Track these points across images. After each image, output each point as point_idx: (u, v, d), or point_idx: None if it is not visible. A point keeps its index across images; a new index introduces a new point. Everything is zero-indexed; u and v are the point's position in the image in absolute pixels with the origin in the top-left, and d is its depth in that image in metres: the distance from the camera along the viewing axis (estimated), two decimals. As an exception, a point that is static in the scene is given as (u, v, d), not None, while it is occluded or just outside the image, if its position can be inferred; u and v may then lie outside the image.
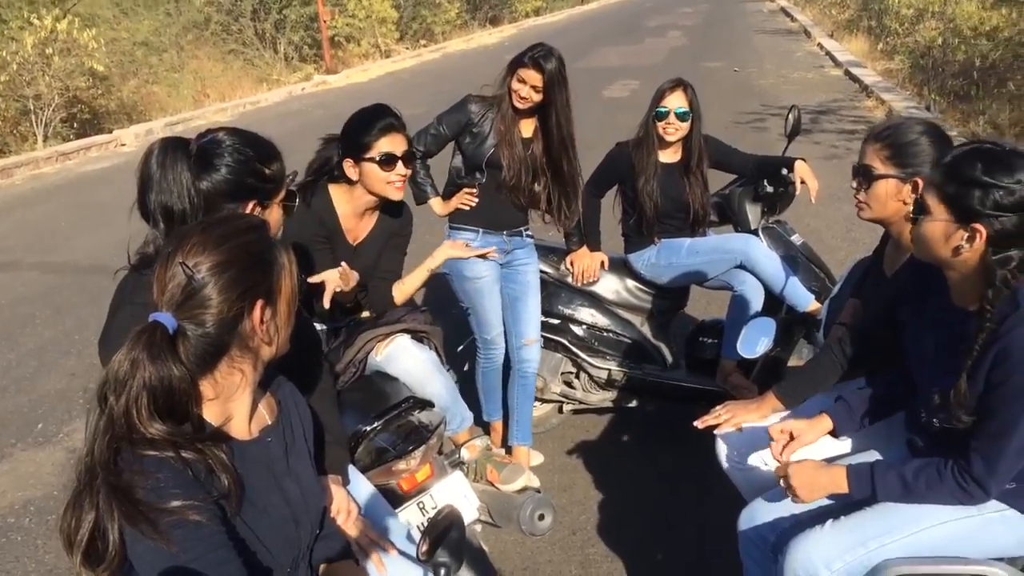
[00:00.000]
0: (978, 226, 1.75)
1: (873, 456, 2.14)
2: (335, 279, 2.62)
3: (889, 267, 2.43)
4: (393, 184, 2.72)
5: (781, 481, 2.04)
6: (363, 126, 2.74)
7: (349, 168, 2.75)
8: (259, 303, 1.48)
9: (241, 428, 1.55)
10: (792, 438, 2.18)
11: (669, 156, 3.69)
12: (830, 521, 1.99)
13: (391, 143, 2.71)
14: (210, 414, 1.50)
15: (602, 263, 3.81)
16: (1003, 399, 1.76)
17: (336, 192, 2.82)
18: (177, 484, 1.35)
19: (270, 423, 1.63)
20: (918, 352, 2.03)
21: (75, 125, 11.63)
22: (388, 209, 2.92)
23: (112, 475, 1.35)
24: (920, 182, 2.07)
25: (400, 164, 2.71)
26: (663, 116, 3.58)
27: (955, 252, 1.80)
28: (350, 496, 2.06)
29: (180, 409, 1.41)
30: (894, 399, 2.18)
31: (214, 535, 1.38)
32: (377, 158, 2.69)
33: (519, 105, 3.26)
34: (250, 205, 1.95)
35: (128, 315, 1.86)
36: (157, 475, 1.34)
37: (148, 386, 1.37)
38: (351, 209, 2.82)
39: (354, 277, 2.70)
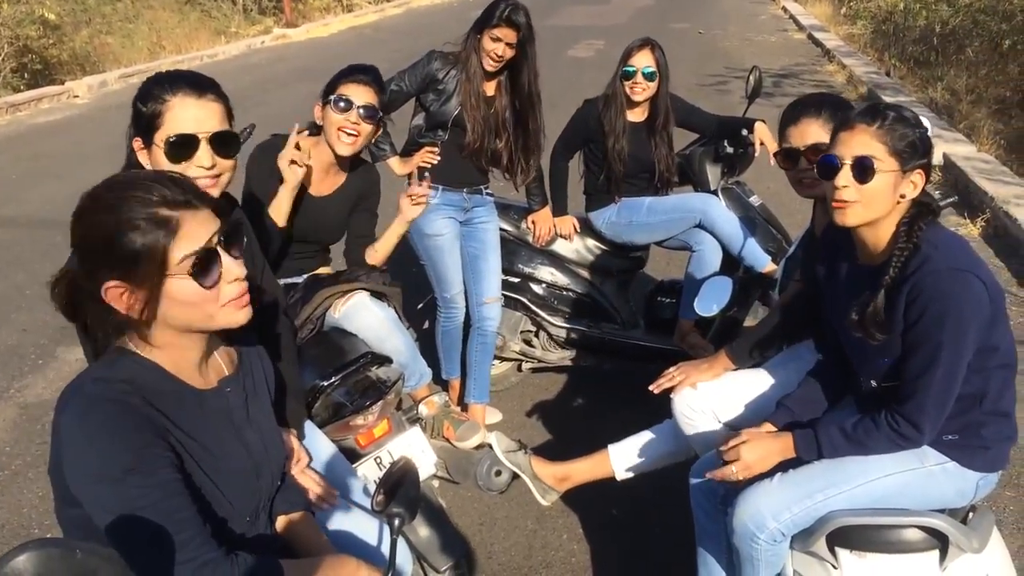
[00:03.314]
0: (920, 170, 1.88)
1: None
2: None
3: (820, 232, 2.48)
4: (342, 130, 2.70)
5: (732, 466, 2.05)
6: (339, 73, 2.77)
7: (317, 112, 2.76)
8: (108, 283, 1.38)
9: (194, 378, 1.53)
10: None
11: (636, 115, 3.70)
12: (778, 474, 2.04)
13: (354, 91, 2.71)
14: (159, 362, 1.48)
15: (574, 225, 3.82)
16: (922, 334, 1.83)
17: (304, 144, 2.78)
18: (131, 430, 1.35)
19: (229, 374, 1.61)
20: (839, 317, 2.08)
21: (26, 76, 11.26)
22: (357, 173, 2.92)
23: None
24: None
25: (353, 112, 2.69)
26: (630, 75, 3.58)
27: (898, 202, 1.89)
28: (303, 447, 2.07)
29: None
30: (832, 391, 2.19)
31: (170, 482, 1.37)
32: (334, 99, 2.70)
33: (492, 67, 3.23)
34: (137, 140, 1.92)
35: None
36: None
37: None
38: (315, 160, 2.80)
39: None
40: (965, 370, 1.86)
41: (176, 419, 1.45)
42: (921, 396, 1.86)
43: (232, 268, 1.44)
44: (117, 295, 1.38)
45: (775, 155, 2.45)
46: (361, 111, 2.69)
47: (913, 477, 1.97)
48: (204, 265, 1.40)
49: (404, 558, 1.97)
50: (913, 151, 1.87)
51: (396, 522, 1.50)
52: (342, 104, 2.68)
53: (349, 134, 2.71)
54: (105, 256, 1.37)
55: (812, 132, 2.33)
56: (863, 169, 1.86)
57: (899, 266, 1.86)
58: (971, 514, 2.08)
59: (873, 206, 1.89)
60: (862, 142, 1.87)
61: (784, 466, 2.05)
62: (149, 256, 1.36)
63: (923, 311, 1.82)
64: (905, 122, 1.88)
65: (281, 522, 1.74)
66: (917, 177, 1.89)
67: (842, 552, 2.02)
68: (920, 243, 1.86)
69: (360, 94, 2.71)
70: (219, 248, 1.43)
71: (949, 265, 1.82)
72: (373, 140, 2.87)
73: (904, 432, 1.90)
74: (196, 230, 1.40)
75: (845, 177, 1.87)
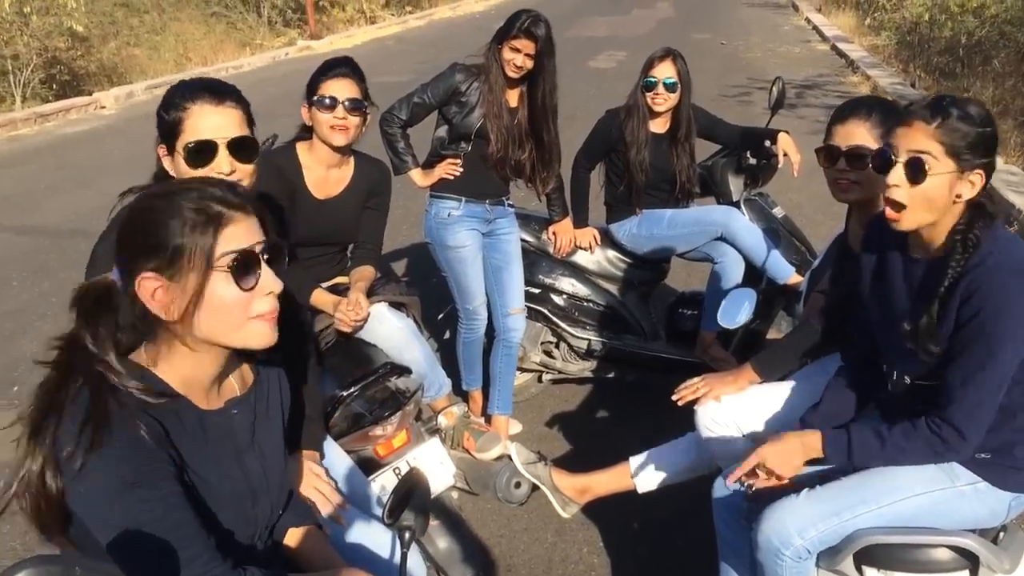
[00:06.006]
0: (980, 170, 1.80)
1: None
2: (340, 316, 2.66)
3: (855, 243, 2.43)
4: (333, 128, 2.70)
5: (758, 471, 2.02)
6: (318, 71, 2.77)
7: (305, 114, 2.76)
8: (143, 275, 1.36)
9: (200, 397, 1.49)
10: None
11: (658, 126, 3.67)
12: (805, 491, 2.00)
13: (336, 87, 2.70)
14: (168, 377, 1.45)
15: (595, 237, 3.80)
16: (975, 333, 1.76)
17: (301, 148, 2.82)
18: (133, 443, 1.33)
19: (238, 394, 1.57)
20: (885, 314, 2.01)
21: (54, 86, 11.43)
22: (363, 166, 2.90)
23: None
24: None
25: (340, 108, 2.69)
26: (651, 86, 3.56)
27: (954, 202, 1.81)
28: (328, 475, 2.05)
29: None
30: (856, 403, 2.15)
31: (173, 496, 1.34)
32: (318, 99, 2.70)
33: (513, 75, 3.23)
34: (161, 147, 1.97)
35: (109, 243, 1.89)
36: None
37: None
38: (315, 163, 2.81)
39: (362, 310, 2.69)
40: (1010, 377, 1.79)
41: (175, 436, 1.41)
42: (970, 400, 1.78)
43: (270, 280, 1.42)
44: (151, 290, 1.36)
45: (816, 151, 2.39)
46: (347, 104, 2.69)
47: (943, 497, 1.92)
48: (245, 266, 1.39)
49: (418, 570, 1.95)
50: (973, 150, 1.77)
51: (406, 535, 1.48)
52: (327, 102, 2.69)
53: (340, 128, 2.71)
54: (148, 243, 1.36)
55: (858, 134, 2.27)
56: (916, 169, 1.78)
57: (957, 271, 1.78)
58: (1002, 534, 2.03)
59: (926, 209, 1.81)
60: (917, 139, 1.78)
61: (811, 482, 2.01)
62: (194, 246, 1.36)
63: (978, 310, 1.74)
64: (969, 119, 1.77)
65: (289, 536, 1.70)
66: (976, 177, 1.80)
67: (869, 571, 1.98)
68: (981, 241, 1.79)
69: (342, 88, 2.71)
70: (261, 256, 1.42)
71: (1010, 266, 1.75)
72: (363, 129, 2.82)
73: (946, 437, 1.81)
74: (242, 232, 1.40)
75: (897, 176, 1.80)
